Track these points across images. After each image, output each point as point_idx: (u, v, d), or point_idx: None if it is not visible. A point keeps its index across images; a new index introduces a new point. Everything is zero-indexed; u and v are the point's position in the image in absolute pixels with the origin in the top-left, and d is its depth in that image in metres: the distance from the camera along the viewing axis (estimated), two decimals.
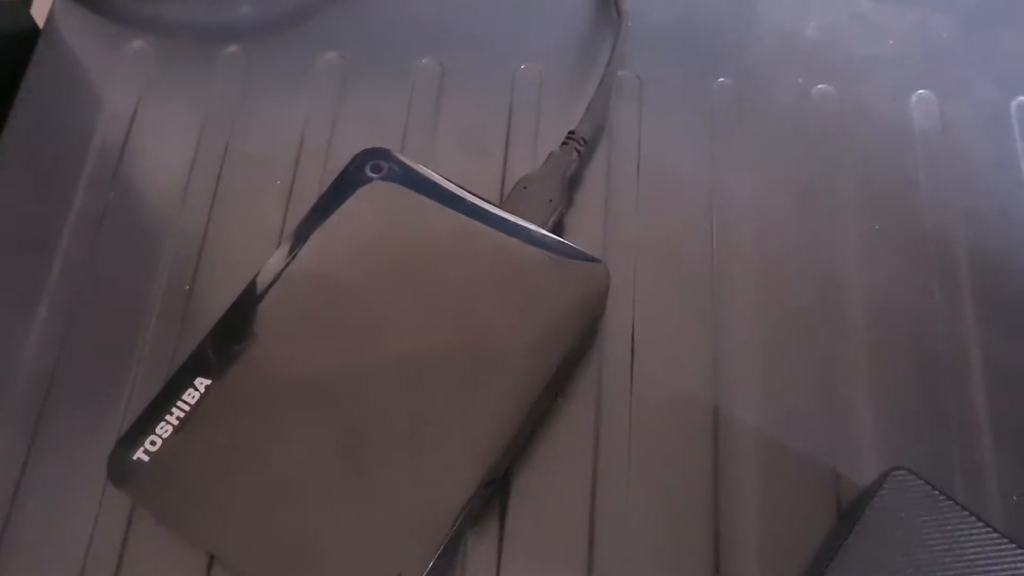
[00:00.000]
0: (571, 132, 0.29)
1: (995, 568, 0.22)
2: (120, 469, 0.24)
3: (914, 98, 0.31)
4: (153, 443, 0.24)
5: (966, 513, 0.23)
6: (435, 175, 0.27)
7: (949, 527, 0.23)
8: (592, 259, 0.26)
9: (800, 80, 0.32)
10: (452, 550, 0.24)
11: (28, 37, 0.33)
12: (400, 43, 0.32)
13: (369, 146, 0.28)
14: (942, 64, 0.32)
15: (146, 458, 0.24)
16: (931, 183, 0.30)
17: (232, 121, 0.31)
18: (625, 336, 0.27)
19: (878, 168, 0.30)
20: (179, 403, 0.24)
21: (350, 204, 0.27)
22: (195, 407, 0.24)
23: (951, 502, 0.23)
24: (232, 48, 0.32)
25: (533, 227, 0.26)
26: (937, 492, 0.23)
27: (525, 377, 0.25)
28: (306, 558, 0.23)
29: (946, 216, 0.29)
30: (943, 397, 0.27)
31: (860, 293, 0.28)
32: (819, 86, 0.31)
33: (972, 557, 0.22)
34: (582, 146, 0.29)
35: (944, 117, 0.31)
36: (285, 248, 0.26)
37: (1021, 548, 0.22)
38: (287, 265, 0.26)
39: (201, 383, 0.25)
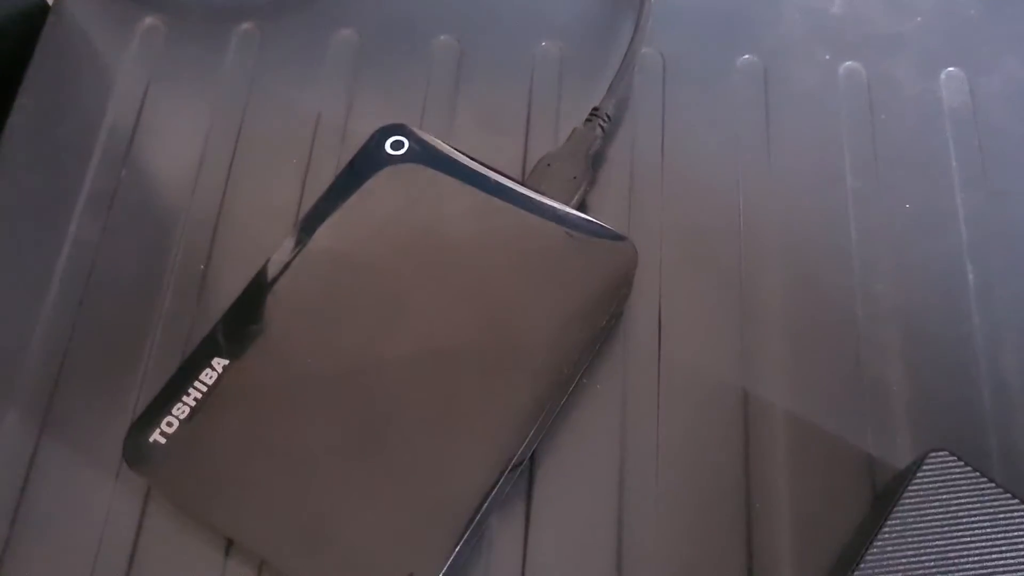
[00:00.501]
0: (595, 108, 0.29)
1: None
2: (136, 451, 0.23)
3: (943, 75, 0.31)
4: (170, 424, 0.23)
5: (1008, 495, 0.22)
6: (454, 151, 0.27)
7: (990, 508, 0.22)
8: (619, 237, 0.26)
9: (827, 57, 0.31)
10: (477, 534, 0.23)
11: (37, 15, 0.32)
12: (417, 20, 0.32)
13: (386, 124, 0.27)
14: (971, 41, 0.31)
15: (163, 440, 0.23)
16: (961, 161, 0.29)
17: (246, 100, 0.30)
18: (652, 315, 0.27)
19: (907, 146, 0.29)
20: (196, 384, 0.24)
21: (371, 181, 0.26)
22: (212, 388, 0.24)
23: (991, 483, 0.22)
24: (245, 25, 0.32)
25: (559, 205, 0.26)
26: (977, 473, 0.22)
27: (552, 358, 0.24)
28: (327, 542, 0.22)
29: (977, 195, 0.29)
30: (977, 378, 0.26)
31: (891, 273, 0.27)
32: (846, 63, 0.31)
33: (1014, 538, 0.22)
34: (606, 123, 0.28)
35: (974, 94, 0.30)
36: (303, 227, 0.26)
37: None
38: (306, 245, 0.25)
39: (219, 363, 0.24)
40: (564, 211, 0.26)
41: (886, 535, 0.22)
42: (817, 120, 0.30)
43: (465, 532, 0.22)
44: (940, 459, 0.23)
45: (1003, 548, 0.22)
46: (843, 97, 0.30)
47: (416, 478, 0.23)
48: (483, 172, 0.26)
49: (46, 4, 0.32)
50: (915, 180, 0.29)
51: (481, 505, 0.22)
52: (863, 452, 0.25)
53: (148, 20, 0.32)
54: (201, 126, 0.30)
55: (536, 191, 0.26)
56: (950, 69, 0.31)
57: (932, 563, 0.22)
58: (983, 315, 0.27)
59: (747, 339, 0.27)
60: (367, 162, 0.27)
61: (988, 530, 0.22)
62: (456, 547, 0.22)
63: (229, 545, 0.24)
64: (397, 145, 0.27)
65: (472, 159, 0.27)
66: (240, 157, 0.29)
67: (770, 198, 0.29)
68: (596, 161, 0.29)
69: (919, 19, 0.32)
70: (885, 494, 0.24)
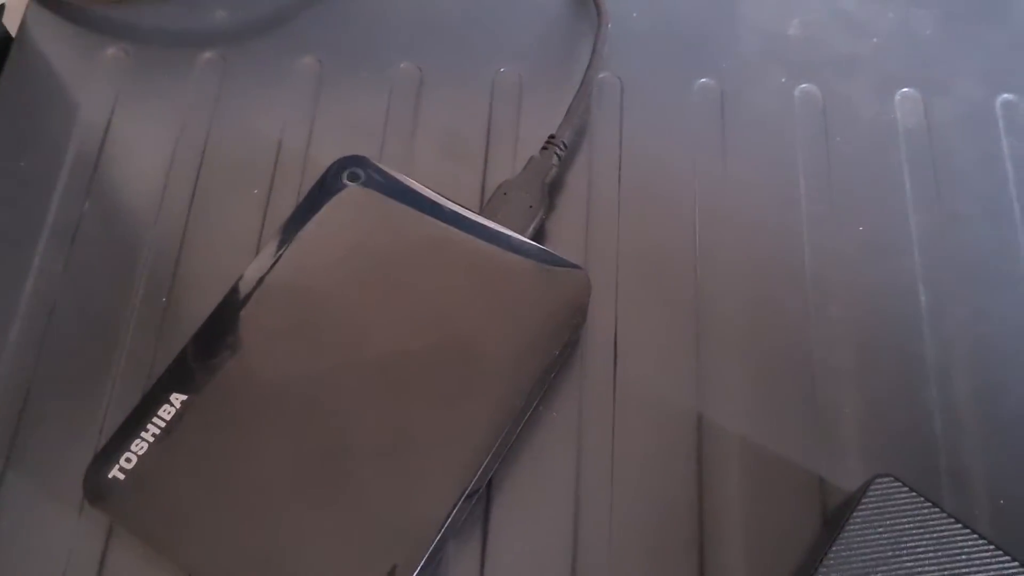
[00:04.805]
0: (551, 136, 0.29)
1: (982, 573, 0.22)
2: (96, 487, 0.23)
3: (898, 96, 0.31)
4: (128, 460, 0.24)
5: (951, 520, 0.22)
6: (413, 182, 0.27)
7: (935, 533, 0.22)
8: (573, 266, 0.26)
9: (783, 80, 0.31)
10: (434, 562, 0.24)
11: (1, 46, 0.32)
12: (378, 47, 0.32)
13: (347, 152, 0.28)
14: (926, 62, 0.32)
15: (122, 476, 0.23)
16: (916, 183, 0.30)
17: (208, 128, 0.31)
18: (607, 343, 0.27)
19: (862, 168, 0.30)
20: (154, 419, 0.24)
21: (326, 212, 0.27)
22: (171, 423, 0.24)
23: (936, 508, 0.23)
24: (208, 54, 0.32)
25: (513, 234, 0.26)
26: (922, 499, 0.23)
27: (506, 386, 0.24)
28: (286, 574, 0.23)
29: (931, 216, 0.29)
30: (928, 401, 0.27)
31: (844, 296, 0.28)
32: (802, 86, 0.31)
33: (959, 564, 0.22)
34: (563, 150, 0.29)
35: (929, 115, 0.31)
36: (262, 258, 0.26)
37: (1008, 554, 0.22)
38: (264, 276, 0.26)
39: (176, 398, 0.24)
40: (519, 241, 0.26)
41: (831, 561, 0.22)
42: (773, 143, 0.30)
43: (422, 560, 0.23)
44: (885, 484, 0.23)
45: (948, 572, 0.22)
46: (799, 119, 0.31)
47: (374, 508, 0.23)
48: (439, 202, 0.27)
49: (9, 35, 0.32)
50: (869, 202, 0.29)
51: (438, 533, 0.23)
52: (815, 475, 0.26)
53: (111, 50, 0.32)
54: (164, 155, 0.30)
55: (493, 220, 0.27)
56: (905, 90, 0.31)
57: None
58: (935, 338, 0.27)
59: (702, 364, 0.27)
60: (325, 193, 0.27)
61: (932, 555, 0.22)
62: (415, 574, 0.22)
63: None
64: (354, 176, 0.27)
65: (429, 189, 0.27)
66: (202, 187, 0.30)
67: (726, 222, 0.29)
68: (553, 188, 0.29)
69: (875, 40, 0.32)
70: (834, 517, 0.25)
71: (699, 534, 0.25)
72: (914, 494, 0.23)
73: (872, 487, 0.23)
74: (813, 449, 0.26)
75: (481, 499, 0.25)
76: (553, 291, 0.26)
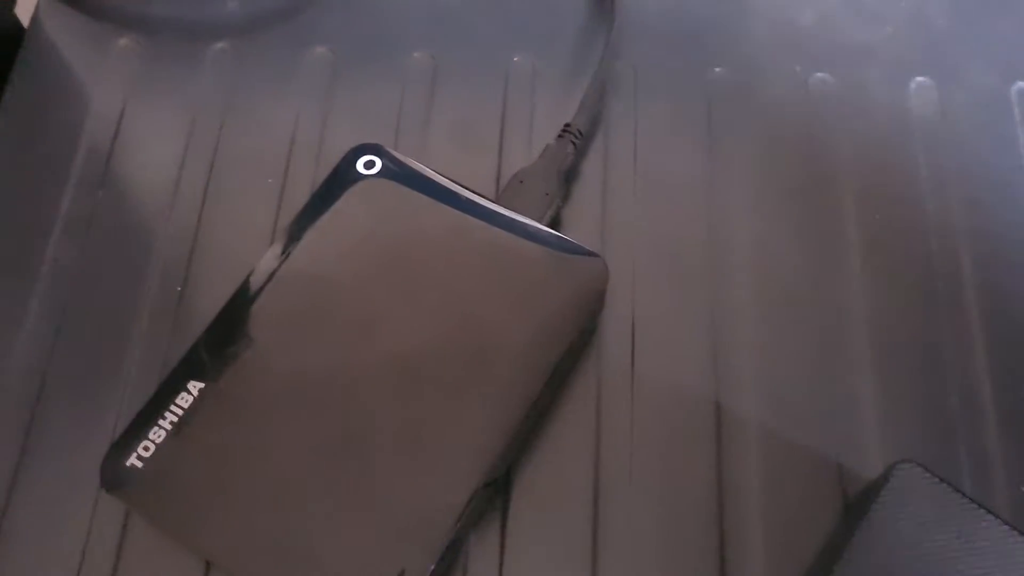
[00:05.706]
0: (567, 125, 0.29)
1: (1004, 560, 0.22)
2: (113, 475, 0.23)
3: (912, 85, 0.31)
4: (146, 448, 0.23)
5: (974, 505, 0.22)
6: (428, 170, 0.27)
7: (957, 519, 0.22)
8: (590, 254, 0.26)
9: (797, 68, 0.31)
10: (454, 551, 0.24)
11: (13, 37, 0.32)
12: (391, 37, 0.32)
13: (361, 142, 0.28)
14: (940, 50, 0.32)
15: (139, 464, 0.23)
16: (931, 170, 0.30)
17: (221, 119, 0.31)
18: (625, 331, 0.27)
19: (877, 156, 0.30)
20: (172, 407, 0.24)
21: (343, 201, 0.27)
22: (188, 411, 0.24)
23: (959, 494, 0.23)
24: (220, 45, 0.32)
25: (530, 222, 0.26)
26: (944, 484, 0.23)
27: (524, 374, 0.24)
28: (305, 563, 0.23)
29: (946, 203, 0.29)
30: (947, 388, 0.26)
31: (861, 283, 0.28)
32: (816, 74, 0.31)
33: (981, 549, 0.22)
34: (578, 139, 0.29)
35: (943, 104, 0.31)
36: (277, 247, 0.26)
37: None
38: (279, 265, 0.26)
39: (194, 386, 0.24)
40: (536, 228, 0.26)
41: (855, 547, 0.22)
42: (787, 131, 0.30)
43: (441, 551, 0.22)
44: (907, 470, 0.23)
45: (971, 559, 0.22)
46: (813, 108, 0.31)
47: (391, 497, 0.23)
48: (455, 190, 0.27)
49: (21, 26, 0.32)
50: (885, 189, 0.29)
51: (456, 524, 0.23)
52: (834, 463, 0.25)
53: (123, 41, 0.32)
54: (177, 146, 0.30)
55: (509, 208, 0.26)
56: (919, 78, 0.31)
57: (901, 575, 0.22)
58: (952, 324, 0.27)
59: (719, 353, 0.27)
60: (341, 181, 0.27)
61: (955, 541, 0.22)
62: (433, 563, 0.22)
63: (208, 566, 0.24)
64: (370, 164, 0.27)
65: (444, 177, 0.27)
66: (216, 177, 0.29)
67: (741, 210, 0.29)
68: (569, 177, 0.29)
69: (888, 29, 0.32)
70: (856, 504, 0.25)
71: (719, 521, 0.25)
72: (937, 480, 0.23)
73: (894, 473, 0.23)
74: (832, 437, 0.26)
75: (500, 490, 0.25)
76: (571, 278, 0.25)
